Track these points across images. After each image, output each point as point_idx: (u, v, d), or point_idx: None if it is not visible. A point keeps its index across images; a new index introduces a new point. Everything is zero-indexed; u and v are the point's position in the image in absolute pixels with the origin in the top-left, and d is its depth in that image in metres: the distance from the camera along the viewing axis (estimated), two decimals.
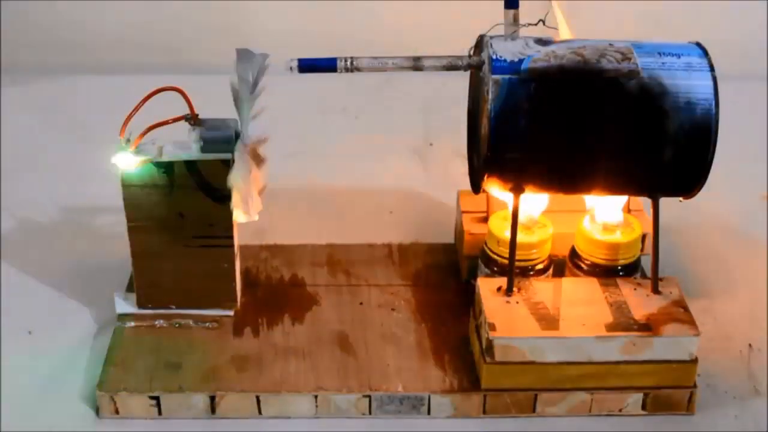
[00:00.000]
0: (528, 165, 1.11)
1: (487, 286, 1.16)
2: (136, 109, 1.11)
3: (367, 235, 1.38)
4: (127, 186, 1.15)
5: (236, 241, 1.20)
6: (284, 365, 1.16)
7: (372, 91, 1.78)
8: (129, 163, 1.13)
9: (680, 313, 1.13)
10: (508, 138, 1.09)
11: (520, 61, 1.09)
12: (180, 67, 1.79)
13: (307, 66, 1.12)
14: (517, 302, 1.14)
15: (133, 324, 1.21)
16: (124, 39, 1.88)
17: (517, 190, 1.13)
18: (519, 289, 1.15)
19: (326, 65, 1.12)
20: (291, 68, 1.12)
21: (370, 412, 1.13)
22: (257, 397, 1.12)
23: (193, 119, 1.14)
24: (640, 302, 1.14)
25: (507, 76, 1.08)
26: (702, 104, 1.09)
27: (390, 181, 1.56)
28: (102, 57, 1.87)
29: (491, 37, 1.12)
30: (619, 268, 1.21)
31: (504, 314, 1.12)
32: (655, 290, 1.16)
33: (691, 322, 1.12)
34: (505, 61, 1.09)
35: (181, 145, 1.15)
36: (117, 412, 1.12)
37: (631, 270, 1.22)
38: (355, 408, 1.13)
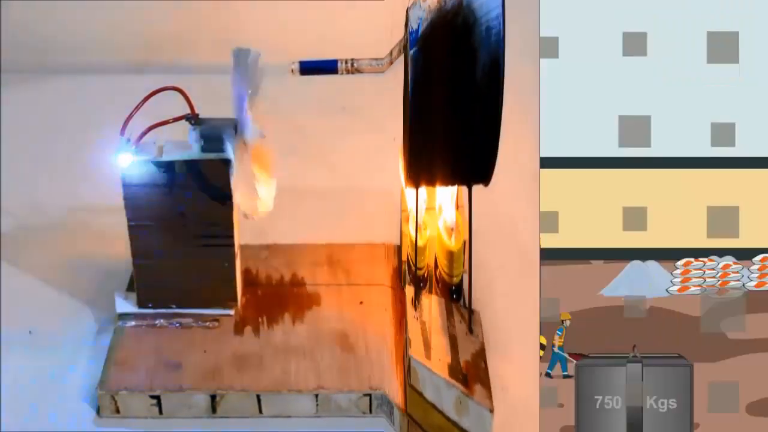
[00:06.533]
0: (418, 148, 0.96)
1: (409, 296, 1.11)
2: (137, 109, 1.11)
3: (367, 234, 1.38)
4: (127, 185, 1.15)
5: (237, 241, 1.20)
6: (285, 364, 1.16)
7: (372, 91, 1.78)
8: (129, 162, 1.13)
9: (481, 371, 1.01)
10: (415, 120, 0.94)
11: (419, 26, 0.92)
12: (180, 67, 1.79)
13: (308, 68, 1.12)
14: (418, 318, 1.08)
15: (133, 323, 1.21)
16: (124, 39, 1.88)
17: (414, 182, 0.98)
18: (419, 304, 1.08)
19: (327, 67, 1.12)
20: (292, 70, 1.12)
21: (370, 411, 1.14)
22: (258, 396, 1.13)
23: (193, 119, 1.14)
24: (463, 344, 1.04)
25: (413, 49, 0.92)
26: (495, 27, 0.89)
27: (390, 181, 1.55)
28: (102, 57, 1.87)
29: (409, 7, 0.94)
30: (453, 288, 1.08)
31: (416, 331, 1.07)
32: (470, 328, 1.04)
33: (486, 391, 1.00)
34: (415, 32, 0.92)
35: (182, 144, 1.15)
36: (118, 411, 1.13)
37: (460, 291, 1.08)
38: (356, 407, 1.13)
